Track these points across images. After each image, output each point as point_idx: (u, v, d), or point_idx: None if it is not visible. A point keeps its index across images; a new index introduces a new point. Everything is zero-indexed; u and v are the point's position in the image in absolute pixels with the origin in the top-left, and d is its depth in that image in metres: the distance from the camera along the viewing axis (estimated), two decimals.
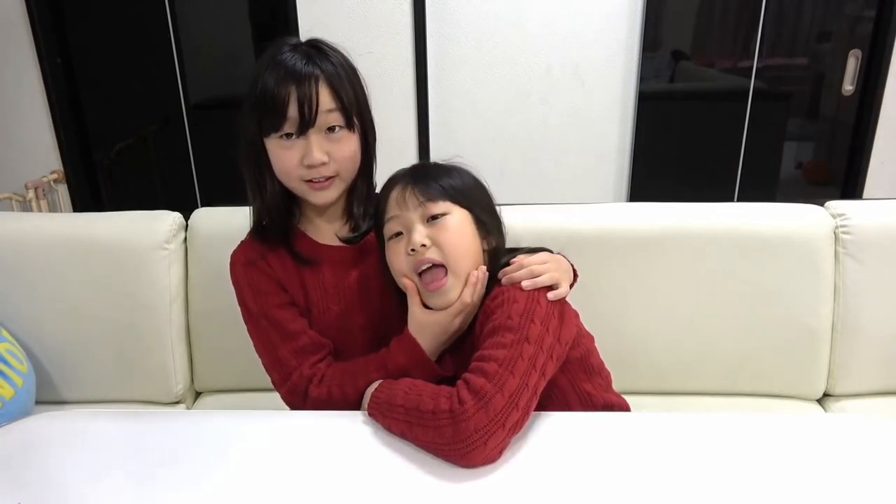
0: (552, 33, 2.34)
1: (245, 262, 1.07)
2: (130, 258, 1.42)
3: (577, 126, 2.45)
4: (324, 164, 0.98)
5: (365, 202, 1.07)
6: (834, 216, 1.42)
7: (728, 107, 2.48)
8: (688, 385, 1.49)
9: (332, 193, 1.03)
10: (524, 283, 0.91)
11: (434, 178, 0.96)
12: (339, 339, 1.07)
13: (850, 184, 2.54)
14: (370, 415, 0.92)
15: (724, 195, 2.57)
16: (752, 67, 2.41)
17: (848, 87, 2.43)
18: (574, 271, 1.02)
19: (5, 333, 1.42)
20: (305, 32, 2.34)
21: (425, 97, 2.39)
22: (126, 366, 1.47)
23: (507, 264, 0.96)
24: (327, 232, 1.09)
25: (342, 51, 1.02)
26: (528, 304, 0.89)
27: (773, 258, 1.39)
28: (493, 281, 0.97)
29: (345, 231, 1.09)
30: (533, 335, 0.86)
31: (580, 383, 1.00)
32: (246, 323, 1.09)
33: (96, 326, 1.45)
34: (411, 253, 0.94)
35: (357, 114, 1.00)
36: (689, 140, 2.53)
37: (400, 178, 0.98)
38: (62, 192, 2.60)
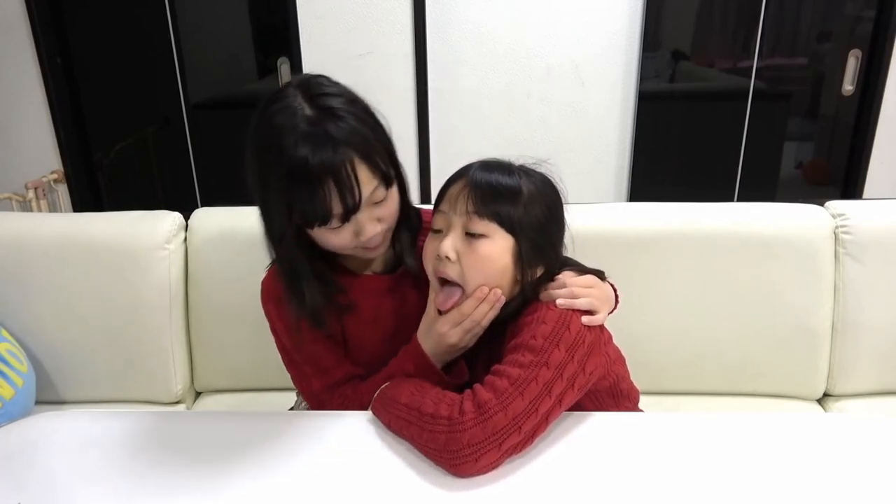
0: (552, 33, 2.34)
1: (277, 298, 1.00)
2: (130, 258, 1.42)
3: (576, 126, 2.45)
4: (377, 233, 0.93)
5: (407, 242, 1.02)
6: (834, 216, 1.42)
7: (728, 107, 2.48)
8: (688, 385, 1.49)
9: (385, 246, 0.98)
10: (559, 302, 0.87)
11: (494, 198, 0.88)
12: (377, 369, 1.03)
13: (850, 184, 2.54)
14: (372, 409, 0.92)
15: (724, 195, 2.57)
16: (752, 67, 2.41)
17: (848, 87, 2.43)
18: (616, 298, 0.99)
19: (5, 333, 1.42)
20: (305, 32, 2.35)
21: (425, 97, 2.39)
22: (126, 366, 1.47)
23: (552, 279, 0.92)
24: (364, 265, 1.05)
25: (346, 88, 0.92)
26: (556, 328, 0.85)
27: (773, 258, 1.39)
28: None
29: (383, 266, 1.05)
30: (554, 361, 0.83)
31: (606, 408, 0.98)
32: (279, 352, 1.05)
33: (96, 326, 1.45)
34: (438, 257, 0.91)
35: (392, 168, 0.93)
36: (689, 140, 2.53)
37: (466, 175, 0.91)
38: (62, 192, 2.60)
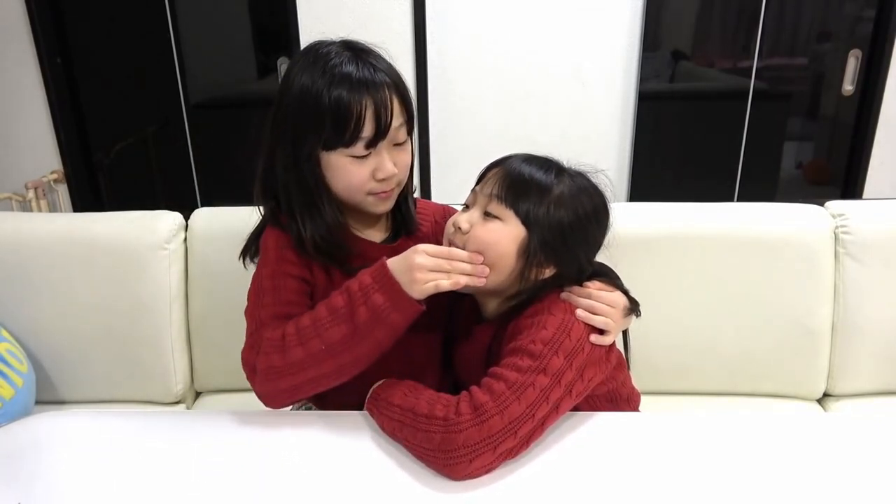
0: (552, 33, 2.34)
1: (280, 246, 0.97)
2: (130, 258, 1.42)
3: (576, 126, 2.45)
4: (394, 175, 0.95)
5: (407, 210, 1.04)
6: (834, 216, 1.42)
7: (728, 107, 2.48)
8: (688, 385, 1.49)
9: (392, 202, 1.00)
10: (578, 312, 0.88)
11: (520, 189, 0.89)
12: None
13: (850, 184, 2.54)
14: (367, 409, 0.93)
15: (724, 195, 2.57)
16: (752, 67, 2.41)
17: (848, 87, 2.43)
18: (638, 312, 0.99)
19: (5, 333, 1.42)
20: (305, 32, 2.35)
21: (425, 97, 2.39)
22: (126, 366, 1.47)
23: (582, 284, 0.92)
24: (365, 233, 1.05)
25: (382, 52, 0.97)
26: (557, 335, 0.85)
27: (773, 258, 1.39)
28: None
29: (382, 237, 1.05)
30: (552, 367, 0.82)
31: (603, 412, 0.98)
32: (252, 284, 1.00)
33: (96, 326, 1.45)
34: (454, 226, 0.92)
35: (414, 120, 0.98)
36: (689, 140, 2.53)
37: (506, 164, 0.93)
38: (62, 192, 2.61)
